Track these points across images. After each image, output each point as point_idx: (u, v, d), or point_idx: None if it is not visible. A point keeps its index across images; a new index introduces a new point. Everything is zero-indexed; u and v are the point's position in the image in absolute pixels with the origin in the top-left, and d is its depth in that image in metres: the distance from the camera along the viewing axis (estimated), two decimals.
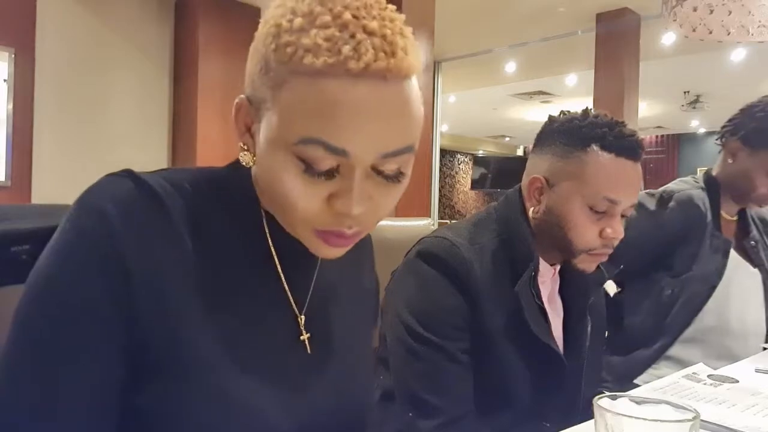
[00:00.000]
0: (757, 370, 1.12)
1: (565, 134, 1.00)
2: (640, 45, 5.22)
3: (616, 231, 0.97)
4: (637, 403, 0.60)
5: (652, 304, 1.46)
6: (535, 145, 1.07)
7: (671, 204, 1.46)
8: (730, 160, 1.49)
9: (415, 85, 0.54)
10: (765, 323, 1.50)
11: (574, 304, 1.07)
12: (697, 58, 6.29)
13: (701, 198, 1.49)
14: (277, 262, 0.62)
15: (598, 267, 1.03)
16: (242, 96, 0.58)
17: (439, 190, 8.14)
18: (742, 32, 3.10)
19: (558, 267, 1.06)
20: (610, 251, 0.99)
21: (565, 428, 0.81)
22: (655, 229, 1.45)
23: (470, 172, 12.04)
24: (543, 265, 1.02)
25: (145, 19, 4.63)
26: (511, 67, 6.86)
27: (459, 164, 12.28)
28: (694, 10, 2.53)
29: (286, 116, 0.52)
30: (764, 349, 1.42)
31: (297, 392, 0.61)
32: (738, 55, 6.25)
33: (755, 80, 6.88)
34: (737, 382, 1.00)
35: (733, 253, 1.48)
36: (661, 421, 0.53)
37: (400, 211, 2.77)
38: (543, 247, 1.02)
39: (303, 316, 0.64)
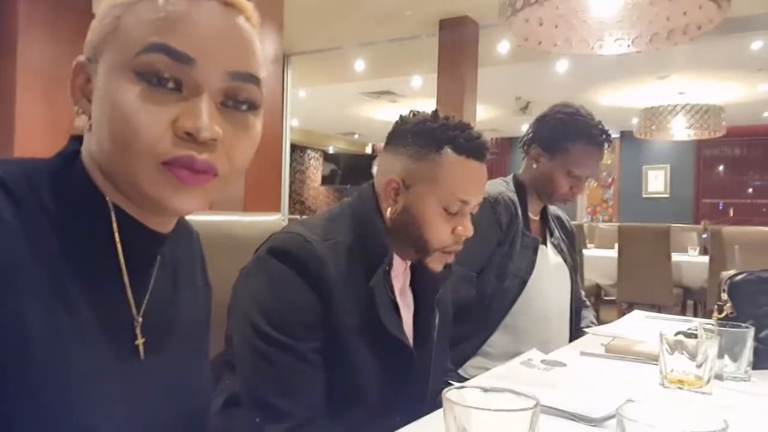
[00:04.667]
0: (582, 353, 1.23)
1: (418, 136, 1.03)
2: (478, 51, 5.56)
3: (467, 229, 1.03)
4: (484, 390, 0.63)
5: (477, 302, 1.55)
6: (387, 144, 1.08)
7: (496, 206, 1.57)
8: (534, 165, 1.65)
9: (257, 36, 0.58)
10: (569, 309, 1.69)
11: (424, 298, 1.10)
12: (528, 66, 6.84)
13: (515, 199, 1.62)
14: (122, 260, 0.57)
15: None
16: (80, 56, 0.56)
17: (290, 185, 8.05)
18: (566, 44, 3.40)
19: (409, 262, 1.08)
20: (460, 248, 1.05)
21: (415, 420, 0.83)
22: (490, 230, 1.55)
23: (321, 168, 12.07)
24: (396, 260, 1.04)
25: None
26: (360, 65, 6.96)
27: (309, 160, 12.26)
28: (527, 21, 2.72)
29: (129, 31, 0.52)
30: (584, 333, 1.58)
31: (129, 402, 0.56)
32: (562, 66, 6.90)
33: (577, 89, 7.64)
34: (566, 365, 1.09)
35: (541, 248, 1.63)
36: (505, 410, 0.55)
37: (250, 206, 2.69)
38: (397, 244, 1.03)
39: (140, 319, 0.59)
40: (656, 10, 2.92)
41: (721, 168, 10.40)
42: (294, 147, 10.76)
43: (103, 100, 0.53)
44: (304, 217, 4.81)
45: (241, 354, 0.94)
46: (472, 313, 1.52)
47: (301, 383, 0.91)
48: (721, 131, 7.29)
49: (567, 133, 1.60)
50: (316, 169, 12.25)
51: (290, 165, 7.89)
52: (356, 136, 12.62)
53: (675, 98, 7.48)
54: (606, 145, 1.62)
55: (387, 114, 9.55)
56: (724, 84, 7.53)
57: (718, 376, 1.02)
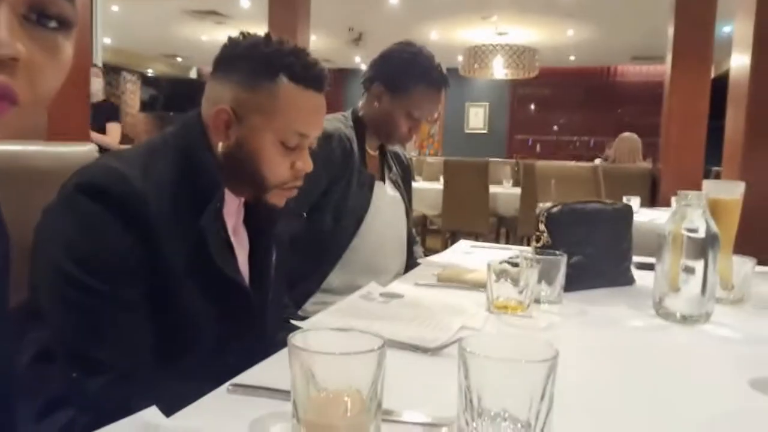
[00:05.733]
0: (416, 284, 1.28)
1: (250, 61, 0.94)
2: None
3: (306, 164, 0.98)
4: (329, 331, 0.60)
5: (314, 240, 1.53)
6: (215, 70, 0.98)
7: (331, 141, 1.53)
8: (375, 104, 1.62)
9: None
10: (405, 242, 1.74)
11: (259, 235, 1.04)
12: None
13: (351, 136, 1.60)
14: None
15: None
16: None
17: None
18: None
19: (243, 199, 1.01)
20: (300, 184, 1.00)
21: (253, 364, 0.79)
22: (323, 167, 1.51)
23: (139, 93, 11.06)
24: (228, 196, 0.96)
25: None
26: None
27: (126, 83, 11.15)
28: None
29: None
30: (418, 263, 1.64)
31: None
32: None
33: (409, 23, 7.75)
34: (403, 297, 1.12)
35: (378, 184, 1.65)
36: (353, 353, 0.53)
37: (54, 134, 2.36)
38: (230, 180, 0.96)
39: None
40: None
41: (531, 107, 11.36)
42: (107, 68, 9.69)
43: None
44: (119, 148, 4.39)
45: (50, 304, 0.82)
46: (308, 251, 1.50)
47: (121, 332, 0.82)
48: (535, 72, 7.90)
49: (410, 74, 1.59)
50: (133, 94, 11.20)
51: (103, 87, 7.12)
52: (179, 59, 11.70)
53: (496, 38, 7.91)
54: (444, 89, 1.64)
55: (213, 36, 8.95)
56: (538, 27, 8.11)
57: (537, 300, 1.11)
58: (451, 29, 8.30)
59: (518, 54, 7.78)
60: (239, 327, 0.95)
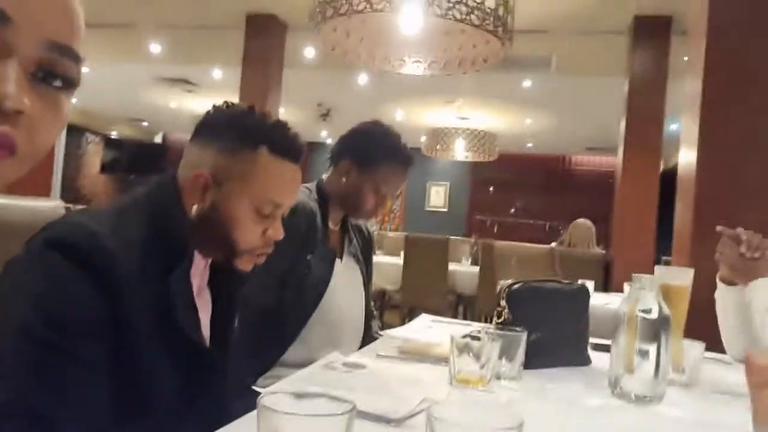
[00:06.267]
0: (378, 356, 1.28)
1: (233, 130, 0.98)
2: (285, 52, 5.54)
3: (278, 232, 1.01)
4: (298, 396, 0.60)
5: (275, 313, 1.52)
6: (196, 135, 1.01)
7: (296, 213, 1.53)
8: (343, 178, 1.66)
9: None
10: (363, 318, 1.73)
11: (222, 298, 1.04)
12: (332, 74, 6.99)
13: (315, 209, 1.62)
14: None
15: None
16: None
17: (63, 170, 7.17)
18: (369, 59, 3.53)
19: (210, 260, 1.02)
20: (270, 251, 1.01)
21: (214, 429, 0.77)
22: (290, 238, 1.52)
23: (101, 154, 10.97)
24: (196, 257, 0.97)
25: None
26: (155, 47, 6.50)
27: (88, 144, 11.06)
28: (335, 30, 2.78)
29: None
30: (378, 337, 1.64)
31: None
32: (363, 79, 7.18)
33: (376, 102, 8.01)
34: (366, 367, 1.11)
35: (338, 260, 1.65)
36: (324, 415, 0.54)
37: (15, 187, 2.32)
38: (200, 242, 0.96)
39: None
40: (450, 39, 3.19)
41: (491, 189, 11.70)
42: (70, 128, 9.64)
43: None
44: (78, 207, 4.31)
45: (8, 359, 0.79)
46: (269, 324, 1.48)
47: (80, 391, 0.79)
48: (494, 156, 8.20)
49: (379, 151, 1.64)
50: (95, 155, 11.10)
51: (64, 147, 7.04)
52: (145, 124, 11.72)
53: (458, 122, 8.23)
54: (409, 167, 1.69)
55: (182, 103, 9.03)
56: (499, 114, 8.49)
57: (497, 376, 1.13)
58: (417, 110, 8.61)
59: (479, 138, 8.09)
60: (199, 392, 0.93)
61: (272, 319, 1.49)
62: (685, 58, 2.85)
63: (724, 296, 1.58)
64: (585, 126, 8.79)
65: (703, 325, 1.57)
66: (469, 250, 5.96)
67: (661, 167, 5.38)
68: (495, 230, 11.08)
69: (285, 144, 0.99)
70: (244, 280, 1.04)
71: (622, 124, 5.19)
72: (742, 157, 2.47)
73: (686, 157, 2.65)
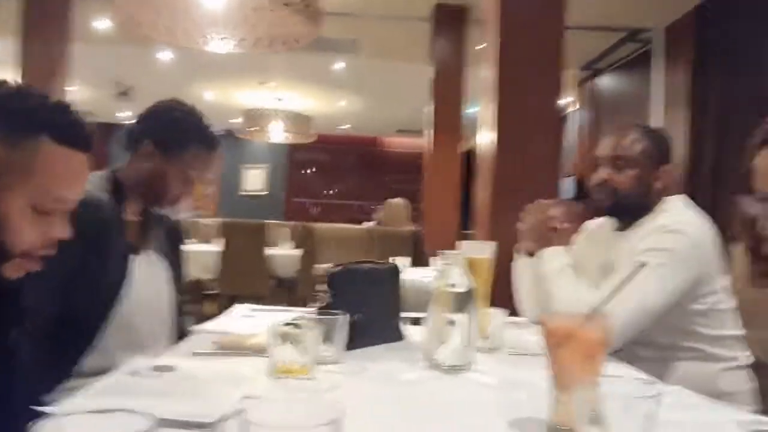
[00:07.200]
0: (194, 354, 1.19)
1: (7, 115, 0.83)
2: (70, 23, 4.95)
3: (64, 231, 0.89)
4: (91, 413, 0.53)
5: (66, 320, 1.31)
6: None
7: (85, 206, 1.33)
8: (145, 164, 1.49)
9: None
10: (169, 316, 1.58)
11: None
12: (131, 50, 6.43)
13: (108, 201, 1.44)
14: None
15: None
16: None
17: None
18: (169, 33, 3.31)
19: None
20: (52, 253, 0.88)
21: None
22: (77, 236, 1.33)
23: None
24: None
25: None
26: None
27: None
28: None
29: None
30: (189, 333, 1.53)
31: None
32: (166, 55, 6.72)
33: (181, 81, 7.54)
34: (177, 369, 1.03)
35: (139, 256, 1.49)
36: None
37: None
38: None
39: None
40: (258, 16, 3.09)
41: (309, 171, 11.74)
42: None
43: None
44: None
45: None
46: (61, 335, 1.29)
47: None
48: (312, 137, 8.22)
49: (183, 134, 1.51)
50: None
51: None
52: None
53: (274, 103, 8.10)
54: (218, 149, 1.59)
55: None
56: (313, 96, 8.51)
57: (319, 361, 1.11)
58: (228, 91, 8.29)
59: (295, 120, 8.04)
60: None
61: (64, 327, 1.31)
62: (481, 46, 3.08)
63: (520, 265, 1.73)
64: (395, 109, 9.15)
65: (506, 292, 1.72)
66: (290, 234, 5.92)
67: (463, 148, 5.81)
68: (315, 212, 11.17)
69: (71, 130, 0.87)
70: (21, 289, 0.90)
71: (428, 108, 5.52)
72: (534, 137, 2.75)
73: (484, 138, 2.88)
